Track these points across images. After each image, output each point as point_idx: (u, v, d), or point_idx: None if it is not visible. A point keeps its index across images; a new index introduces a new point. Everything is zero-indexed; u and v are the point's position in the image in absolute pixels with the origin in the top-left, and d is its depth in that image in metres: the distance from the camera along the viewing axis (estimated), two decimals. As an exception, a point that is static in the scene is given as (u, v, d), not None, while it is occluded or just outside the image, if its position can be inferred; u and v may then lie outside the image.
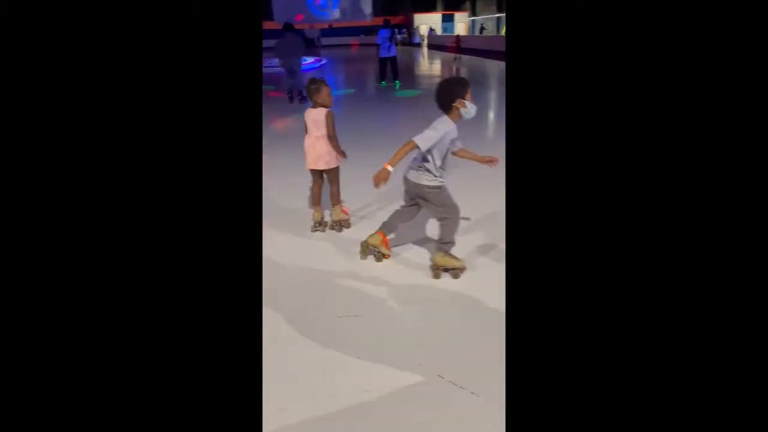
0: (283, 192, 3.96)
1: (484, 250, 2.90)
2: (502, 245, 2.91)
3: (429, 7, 36.69)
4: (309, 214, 3.35)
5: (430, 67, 17.19)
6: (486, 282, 2.53)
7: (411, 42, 31.91)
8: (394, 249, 2.87)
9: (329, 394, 1.77)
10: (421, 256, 2.86)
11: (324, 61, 19.93)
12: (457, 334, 2.12)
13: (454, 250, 2.58)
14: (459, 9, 36.83)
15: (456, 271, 2.56)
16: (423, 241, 3.04)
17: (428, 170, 2.41)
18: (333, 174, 3.11)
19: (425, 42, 30.10)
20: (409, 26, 34.26)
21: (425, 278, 2.59)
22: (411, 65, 17.51)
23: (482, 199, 3.59)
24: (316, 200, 3.19)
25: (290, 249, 2.98)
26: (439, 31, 32.76)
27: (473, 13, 36.31)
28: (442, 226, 2.54)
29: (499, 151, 2.26)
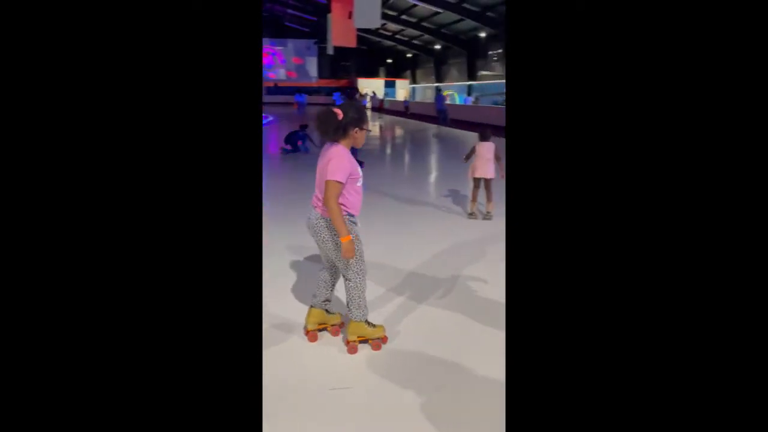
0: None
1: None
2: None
3: (373, 74, 38.70)
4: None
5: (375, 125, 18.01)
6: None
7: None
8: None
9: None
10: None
11: (270, 119, 19.56)
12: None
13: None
14: (400, 76, 39.12)
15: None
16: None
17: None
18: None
19: (369, 104, 31.37)
20: (355, 89, 35.78)
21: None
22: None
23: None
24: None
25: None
26: (381, 95, 34.32)
27: (413, 81, 38.68)
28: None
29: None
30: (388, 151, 11.59)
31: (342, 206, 2.12)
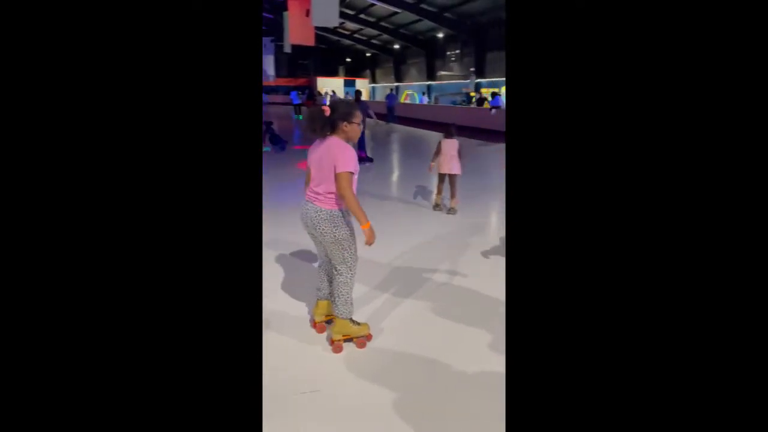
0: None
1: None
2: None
3: (332, 73, 38.45)
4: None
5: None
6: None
7: (315, 103, 32.70)
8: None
9: None
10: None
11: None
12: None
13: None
14: (360, 75, 39.09)
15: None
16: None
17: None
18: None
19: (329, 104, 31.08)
20: (312, 88, 35.42)
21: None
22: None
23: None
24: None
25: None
26: (340, 95, 34.24)
27: (373, 80, 38.75)
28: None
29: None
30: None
31: (340, 197, 2.15)
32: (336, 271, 2.30)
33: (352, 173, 2.10)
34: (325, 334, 2.49)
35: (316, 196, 2.20)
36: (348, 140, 2.22)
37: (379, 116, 21.10)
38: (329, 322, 2.54)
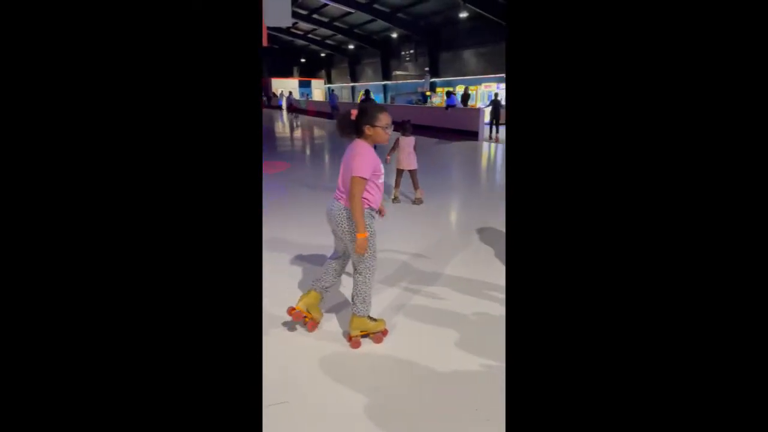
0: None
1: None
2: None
3: (286, 73, 37.93)
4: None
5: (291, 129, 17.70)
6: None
7: (270, 104, 32.13)
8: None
9: None
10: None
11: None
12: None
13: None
14: (315, 76, 38.79)
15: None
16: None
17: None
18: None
19: (285, 104, 30.75)
20: (267, 89, 34.77)
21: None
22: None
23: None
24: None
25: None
26: (296, 96, 33.85)
27: (329, 81, 38.55)
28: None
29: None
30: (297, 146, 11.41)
31: (364, 200, 2.23)
32: (355, 270, 2.35)
33: (365, 179, 2.16)
34: (292, 322, 2.46)
35: (341, 194, 2.30)
36: (375, 144, 2.29)
37: (325, 115, 21.28)
38: (305, 318, 2.49)
